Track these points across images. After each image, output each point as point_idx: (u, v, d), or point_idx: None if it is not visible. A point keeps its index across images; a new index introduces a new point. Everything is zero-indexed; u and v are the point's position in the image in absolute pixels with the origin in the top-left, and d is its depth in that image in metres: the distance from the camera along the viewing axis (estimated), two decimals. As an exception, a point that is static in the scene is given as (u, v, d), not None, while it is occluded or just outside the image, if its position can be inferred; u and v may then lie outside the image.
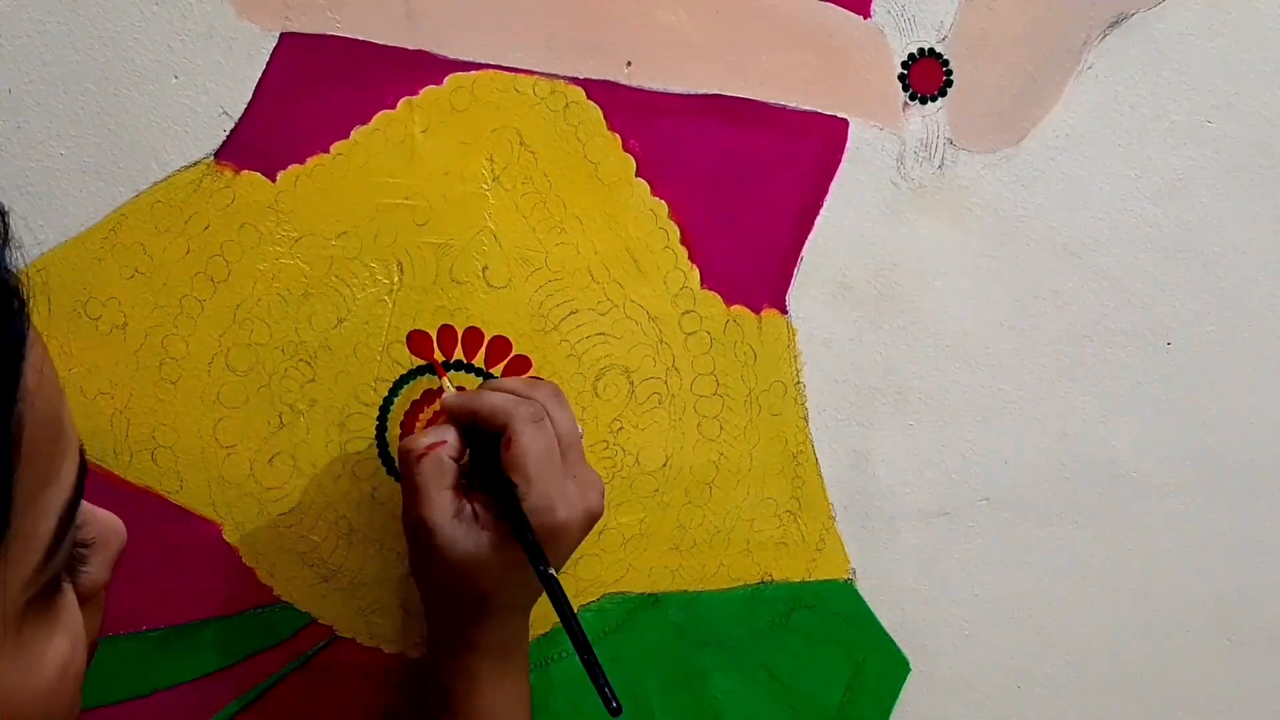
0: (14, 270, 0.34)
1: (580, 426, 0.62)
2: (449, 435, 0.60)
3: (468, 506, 0.58)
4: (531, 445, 0.57)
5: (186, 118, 0.61)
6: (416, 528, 0.58)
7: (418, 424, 0.65)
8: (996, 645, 0.74)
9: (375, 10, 0.61)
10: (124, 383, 0.62)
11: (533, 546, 0.56)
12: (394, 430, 0.65)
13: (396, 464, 0.65)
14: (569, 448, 0.59)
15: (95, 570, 0.41)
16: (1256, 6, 0.69)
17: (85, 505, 0.39)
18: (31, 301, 0.34)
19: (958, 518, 0.72)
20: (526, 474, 0.57)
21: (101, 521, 0.42)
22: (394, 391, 0.64)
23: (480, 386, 0.63)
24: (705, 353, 0.68)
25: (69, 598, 0.38)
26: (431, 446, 0.59)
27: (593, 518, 0.60)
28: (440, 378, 0.64)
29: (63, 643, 0.37)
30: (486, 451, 0.59)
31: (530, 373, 0.66)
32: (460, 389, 0.63)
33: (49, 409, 0.35)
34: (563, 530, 0.58)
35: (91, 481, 0.62)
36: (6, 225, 0.34)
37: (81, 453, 0.38)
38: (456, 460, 0.59)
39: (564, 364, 0.66)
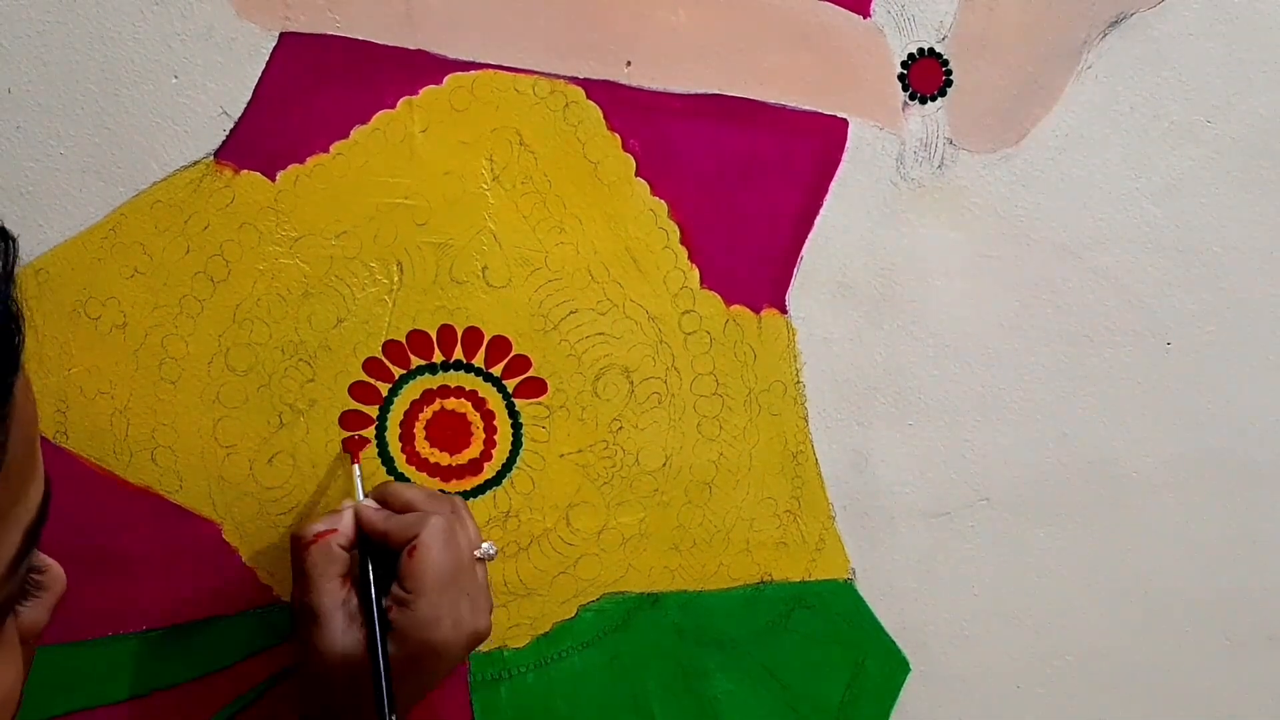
0: (15, 299, 0.35)
1: (494, 547, 0.62)
2: (342, 523, 0.59)
3: (354, 599, 0.58)
4: (436, 560, 0.58)
5: (186, 118, 0.61)
6: (302, 613, 0.58)
7: (417, 424, 0.65)
8: (996, 645, 0.74)
9: (375, 10, 0.61)
10: (124, 383, 0.62)
11: (381, 696, 0.55)
12: (394, 430, 0.65)
13: (396, 465, 0.65)
14: (469, 563, 0.60)
15: (37, 612, 0.42)
16: (1256, 6, 0.69)
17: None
18: (27, 313, 0.35)
19: (958, 518, 0.72)
20: (423, 586, 0.57)
21: (50, 565, 0.43)
22: (394, 392, 0.64)
23: (381, 488, 0.62)
24: (705, 353, 0.68)
25: (12, 632, 0.39)
26: (321, 535, 0.59)
27: (478, 639, 0.60)
28: (355, 467, 0.63)
29: (9, 672, 0.38)
30: (383, 563, 0.59)
31: (530, 372, 0.66)
32: (380, 486, 0.63)
33: (28, 431, 0.36)
34: (444, 648, 0.58)
35: (92, 481, 0.62)
36: (13, 255, 0.35)
37: (47, 482, 0.38)
38: (347, 550, 0.59)
39: (564, 364, 0.66)
